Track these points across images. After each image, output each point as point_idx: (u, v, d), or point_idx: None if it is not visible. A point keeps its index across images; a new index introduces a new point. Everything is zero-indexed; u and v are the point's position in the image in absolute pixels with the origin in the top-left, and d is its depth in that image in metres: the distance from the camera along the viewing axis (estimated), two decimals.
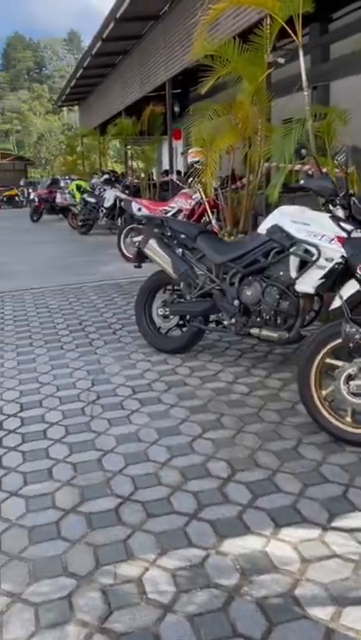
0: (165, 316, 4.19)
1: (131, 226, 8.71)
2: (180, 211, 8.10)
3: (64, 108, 73.05)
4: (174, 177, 12.40)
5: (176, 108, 13.64)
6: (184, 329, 4.21)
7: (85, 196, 13.13)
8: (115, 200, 12.22)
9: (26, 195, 27.38)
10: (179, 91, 15.43)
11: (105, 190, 12.81)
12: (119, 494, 2.44)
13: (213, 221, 7.77)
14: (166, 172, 15.04)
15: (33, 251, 10.53)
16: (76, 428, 3.10)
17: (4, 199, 27.43)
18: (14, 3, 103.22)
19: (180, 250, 4.00)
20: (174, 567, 2.00)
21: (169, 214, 8.17)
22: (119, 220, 12.10)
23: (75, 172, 20.09)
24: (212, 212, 7.90)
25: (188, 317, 4.11)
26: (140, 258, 4.34)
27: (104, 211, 12.52)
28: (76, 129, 63.10)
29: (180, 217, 8.08)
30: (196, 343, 4.20)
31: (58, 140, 64.71)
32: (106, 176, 12.94)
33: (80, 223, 13.09)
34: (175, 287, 4.17)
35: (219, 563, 2.01)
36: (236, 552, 2.06)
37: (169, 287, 4.24)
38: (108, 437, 2.98)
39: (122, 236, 8.64)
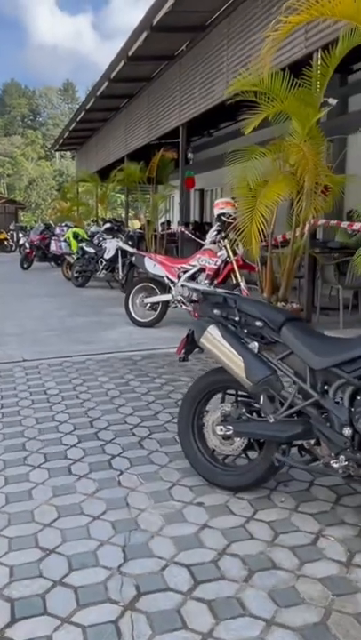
0: (226, 437, 2.87)
1: (141, 284, 7.48)
2: (202, 270, 6.89)
3: (57, 155, 73.66)
4: (177, 227, 11.38)
5: (190, 155, 12.73)
6: (252, 453, 2.90)
7: (83, 245, 11.98)
8: (116, 251, 11.07)
9: (16, 239, 26.29)
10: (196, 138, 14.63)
11: (105, 240, 11.68)
12: None
13: (242, 284, 6.56)
14: (168, 223, 14.01)
15: (24, 306, 9.22)
16: None
17: None
18: (12, 51, 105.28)
19: (256, 344, 2.73)
20: None
21: (188, 274, 6.97)
22: (120, 274, 10.92)
23: (70, 218, 19.03)
24: (241, 274, 6.71)
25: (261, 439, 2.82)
26: (190, 348, 3.05)
27: (104, 262, 11.35)
28: (68, 175, 63.27)
29: (203, 277, 6.87)
30: (269, 479, 2.88)
31: (49, 186, 64.61)
32: (108, 225, 11.82)
33: (76, 274, 11.87)
34: (240, 393, 2.89)
35: None
36: None
37: (230, 391, 2.95)
38: None
39: (131, 295, 7.38)
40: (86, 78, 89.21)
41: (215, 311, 2.86)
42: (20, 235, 24.77)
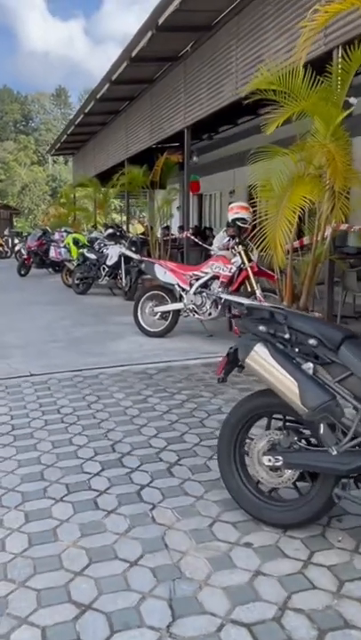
0: (275, 469, 2.57)
1: (150, 292, 7.18)
2: (215, 277, 6.60)
3: (50, 160, 73.32)
4: (177, 233, 11.08)
5: (195, 158, 12.43)
6: (303, 485, 2.60)
7: (85, 251, 11.66)
8: (119, 257, 10.76)
9: (11, 245, 25.93)
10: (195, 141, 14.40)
11: (107, 246, 11.37)
12: None
13: (258, 292, 6.28)
14: (168, 228, 13.72)
15: (25, 315, 8.89)
16: None
17: None
18: (3, 57, 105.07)
19: (311, 365, 2.43)
20: None
21: (200, 281, 6.68)
22: (123, 281, 10.61)
23: (66, 224, 18.71)
24: (257, 281, 6.44)
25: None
26: (230, 369, 2.76)
27: (106, 269, 11.04)
28: (61, 180, 62.91)
29: (216, 285, 6.58)
30: (324, 515, 2.58)
31: (42, 191, 64.27)
32: (110, 230, 11.50)
33: (77, 281, 11.54)
34: (288, 418, 2.59)
35: None
36: None
37: (277, 415, 2.65)
38: None
39: (140, 304, 7.07)
40: (78, 84, 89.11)
41: (261, 327, 2.56)
42: (16, 241, 24.44)
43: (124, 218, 12.77)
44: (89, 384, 4.98)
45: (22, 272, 15.49)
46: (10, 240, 26.75)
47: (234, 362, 2.69)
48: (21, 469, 3.26)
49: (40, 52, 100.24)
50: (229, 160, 17.05)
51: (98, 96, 12.39)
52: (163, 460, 3.36)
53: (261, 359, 2.49)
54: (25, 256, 15.91)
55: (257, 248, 5.30)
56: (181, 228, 16.36)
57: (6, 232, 28.71)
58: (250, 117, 15.20)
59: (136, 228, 16.13)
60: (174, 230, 15.09)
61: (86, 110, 13.95)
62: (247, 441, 2.70)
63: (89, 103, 13.36)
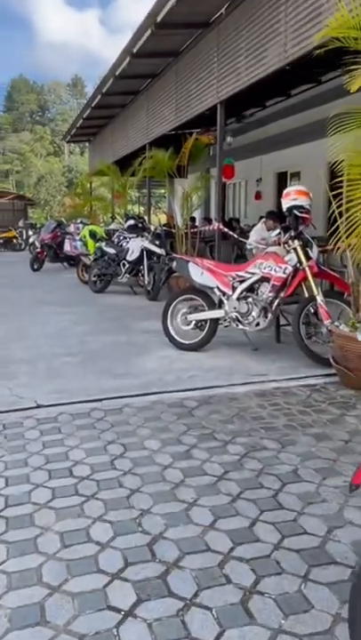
0: None
1: (183, 296, 5.96)
2: (264, 279, 5.35)
3: (66, 151, 72.28)
4: (201, 224, 9.83)
5: (229, 139, 11.14)
6: None
7: (102, 244, 10.48)
8: (141, 252, 9.57)
9: (25, 237, 24.85)
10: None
11: (127, 239, 10.17)
12: None
13: (319, 299, 5.03)
14: (193, 220, 12.46)
15: (35, 318, 7.73)
16: None
17: (1, 241, 24.75)
18: (19, 48, 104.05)
19: None
20: None
21: (245, 284, 5.45)
22: (146, 278, 9.40)
23: (82, 214, 17.52)
24: (317, 284, 5.19)
25: None
26: None
27: (126, 265, 9.85)
28: (77, 171, 61.80)
29: (266, 289, 5.34)
30: None
31: (58, 182, 63.26)
32: (131, 221, 10.28)
33: (94, 278, 10.37)
34: None
35: None
36: None
37: None
38: None
39: (170, 310, 5.86)
40: (94, 74, 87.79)
41: None
42: (30, 232, 23.35)
43: (140, 209, 11.58)
44: (111, 423, 3.79)
45: (35, 266, 14.35)
46: (24, 232, 25.68)
47: None
48: (11, 595, 2.08)
49: (56, 42, 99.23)
50: (257, 146, 15.74)
51: (117, 72, 11.12)
52: (232, 580, 2.16)
53: None
54: (38, 249, 14.77)
55: (345, 241, 4.02)
56: (206, 220, 15.12)
57: (20, 223, 27.58)
58: (281, 98, 13.93)
59: (160, 219, 14.87)
60: (198, 222, 13.84)
61: (104, 90, 12.69)
62: None
63: (107, 81, 12.08)
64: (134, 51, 9.86)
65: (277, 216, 8.58)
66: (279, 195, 15.89)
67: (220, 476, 3.00)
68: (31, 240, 20.46)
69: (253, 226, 14.13)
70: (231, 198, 19.44)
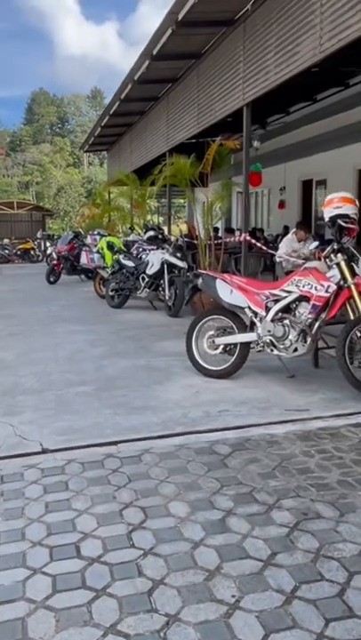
0: None
1: (209, 317, 5.32)
2: (303, 298, 4.70)
3: (85, 162, 72.44)
4: (224, 235, 9.17)
5: (256, 144, 10.54)
6: None
7: (120, 257, 9.91)
8: (162, 265, 8.96)
9: (43, 248, 24.49)
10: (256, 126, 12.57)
11: (147, 251, 9.59)
12: None
13: None
14: (216, 230, 11.83)
15: (47, 338, 7.16)
16: None
17: (19, 252, 24.38)
18: (39, 62, 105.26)
19: None
20: None
21: (281, 304, 4.80)
22: (167, 293, 8.79)
23: (100, 225, 17.02)
24: None
25: None
26: None
27: (146, 279, 9.24)
28: (96, 182, 61.77)
29: (306, 310, 4.68)
30: None
31: (77, 193, 63.34)
32: (151, 232, 9.69)
33: (112, 293, 9.79)
34: None
35: None
36: None
37: None
38: None
39: (195, 332, 5.23)
40: (114, 86, 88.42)
41: None
42: (48, 244, 22.96)
43: (159, 219, 11.03)
44: (128, 477, 3.16)
45: (51, 279, 13.84)
46: (42, 243, 25.32)
47: None
48: None
49: (75, 55, 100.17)
50: (280, 153, 15.14)
51: (136, 77, 10.62)
52: None
53: None
54: (55, 261, 14.26)
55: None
56: (228, 230, 14.48)
57: (39, 234, 27.27)
58: (307, 103, 13.33)
59: (180, 229, 14.27)
60: (221, 233, 13.22)
61: (122, 95, 12.19)
62: None
63: (126, 86, 11.59)
64: (154, 52, 9.33)
65: (307, 226, 7.98)
66: (305, 203, 15.37)
67: (266, 561, 2.35)
68: (48, 251, 20.09)
69: (278, 236, 13.47)
70: (253, 207, 18.84)
